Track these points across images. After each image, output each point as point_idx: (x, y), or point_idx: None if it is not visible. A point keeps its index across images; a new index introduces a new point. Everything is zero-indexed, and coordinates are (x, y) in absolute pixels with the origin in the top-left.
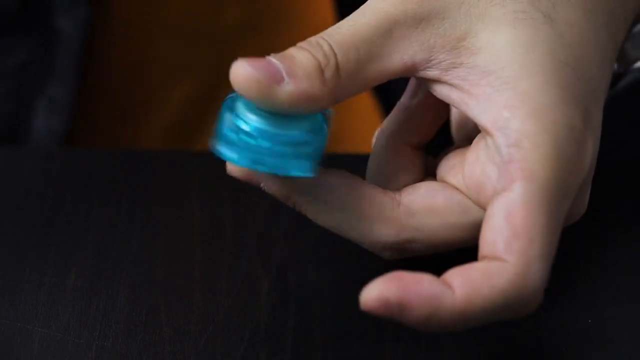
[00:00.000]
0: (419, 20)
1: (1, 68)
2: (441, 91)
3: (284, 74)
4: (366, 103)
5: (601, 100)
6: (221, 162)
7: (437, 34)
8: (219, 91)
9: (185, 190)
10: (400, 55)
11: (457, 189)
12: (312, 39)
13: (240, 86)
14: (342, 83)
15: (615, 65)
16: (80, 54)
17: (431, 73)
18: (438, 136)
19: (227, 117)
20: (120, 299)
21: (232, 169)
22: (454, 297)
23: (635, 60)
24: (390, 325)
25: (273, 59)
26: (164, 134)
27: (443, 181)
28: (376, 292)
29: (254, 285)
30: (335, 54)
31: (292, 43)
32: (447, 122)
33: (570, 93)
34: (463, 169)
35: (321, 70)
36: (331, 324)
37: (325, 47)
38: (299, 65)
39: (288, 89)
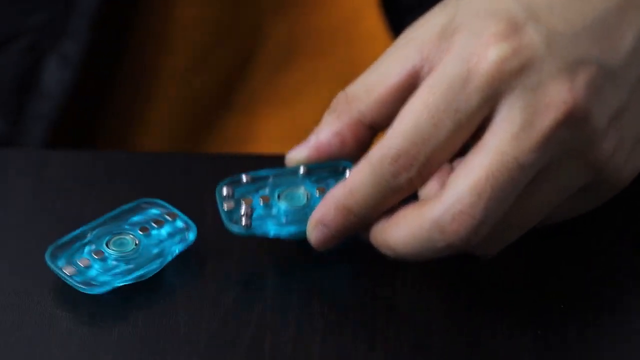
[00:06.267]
0: None
1: (22, 26)
2: None
3: None
4: None
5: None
6: (232, 164)
7: None
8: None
9: (199, 191)
10: None
11: None
12: None
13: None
14: None
15: None
16: (94, 14)
17: None
18: None
19: None
20: (136, 297)
21: None
22: None
23: None
24: (381, 313)
25: None
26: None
27: None
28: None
29: (261, 276)
30: None
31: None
32: None
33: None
34: None
35: None
36: (330, 311)
37: None
38: None
39: None
